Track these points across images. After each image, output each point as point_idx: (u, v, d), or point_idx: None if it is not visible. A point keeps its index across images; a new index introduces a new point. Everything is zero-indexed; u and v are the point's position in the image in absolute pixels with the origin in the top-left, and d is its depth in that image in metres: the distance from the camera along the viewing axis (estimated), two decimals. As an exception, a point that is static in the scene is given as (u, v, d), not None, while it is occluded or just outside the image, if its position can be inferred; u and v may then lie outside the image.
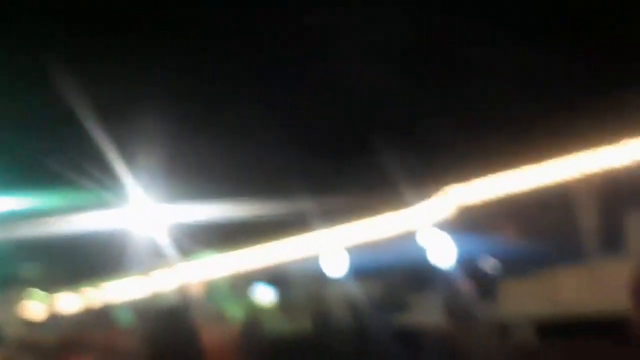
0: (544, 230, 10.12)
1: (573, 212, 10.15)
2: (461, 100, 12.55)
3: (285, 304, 15.55)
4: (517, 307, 9.67)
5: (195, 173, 12.92)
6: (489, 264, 9.19)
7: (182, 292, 8.30)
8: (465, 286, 8.71)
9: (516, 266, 10.29)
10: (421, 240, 11.88)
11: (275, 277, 15.63)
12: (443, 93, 12.82)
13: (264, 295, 16.23)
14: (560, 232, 10.02)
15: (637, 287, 7.96)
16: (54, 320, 19.64)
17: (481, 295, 8.70)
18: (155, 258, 13.67)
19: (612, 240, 9.74)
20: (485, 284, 8.72)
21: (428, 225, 11.86)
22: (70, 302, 20.09)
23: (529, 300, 9.99)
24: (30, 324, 18.91)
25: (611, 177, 9.56)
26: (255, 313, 14.44)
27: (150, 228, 12.84)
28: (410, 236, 12.20)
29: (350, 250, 13.60)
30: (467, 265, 9.62)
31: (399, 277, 12.94)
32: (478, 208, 11.20)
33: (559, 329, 9.08)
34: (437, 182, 11.76)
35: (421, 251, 11.81)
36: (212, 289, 16.06)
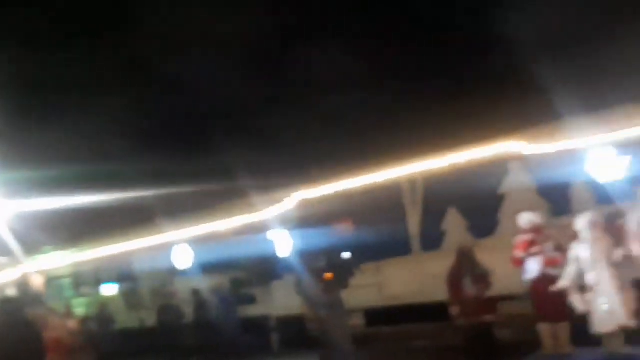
0: (377, 226, 11.03)
1: (401, 211, 11.25)
2: (303, 105, 13.31)
3: (131, 297, 15.34)
4: (349, 296, 10.48)
5: (37, 167, 12.46)
6: (343, 256, 9.64)
7: (24, 287, 7.98)
8: (322, 276, 9.05)
9: (352, 259, 11.12)
10: (268, 235, 12.38)
11: (121, 270, 15.37)
12: (283, 94, 13.49)
13: (109, 289, 15.90)
14: (390, 229, 10.99)
15: (452, 277, 8.90)
16: None
17: (336, 285, 9.07)
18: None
19: (433, 236, 10.97)
20: (340, 274, 9.14)
21: (274, 220, 12.39)
22: None
23: (360, 289, 10.88)
24: None
25: (434, 180, 10.73)
26: (100, 307, 14.13)
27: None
28: (258, 231, 12.65)
29: (198, 244, 13.77)
30: (322, 257, 10.02)
31: (246, 270, 13.36)
32: (319, 205, 11.95)
33: (387, 316, 9.90)
34: (282, 180, 12.38)
35: (269, 245, 12.30)
36: (56, 284, 15.47)
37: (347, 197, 11.48)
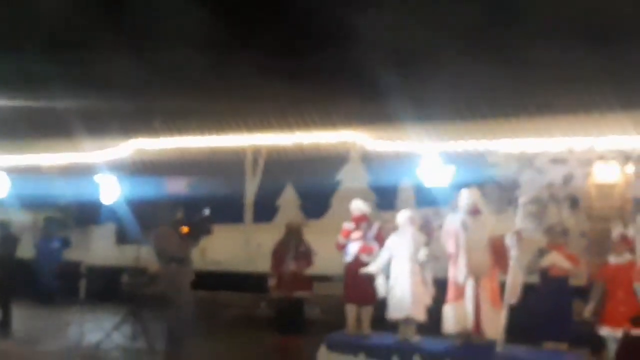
0: (213, 189, 10.96)
1: (240, 179, 11.36)
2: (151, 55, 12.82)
3: None
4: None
5: None
6: (204, 212, 9.19)
7: None
8: (178, 229, 8.63)
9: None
10: (95, 178, 11.75)
11: None
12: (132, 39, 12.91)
13: None
14: (225, 194, 10.99)
15: (277, 251, 9.14)
16: None
17: (190, 240, 8.51)
18: None
19: (267, 208, 11.21)
20: (197, 230, 8.77)
21: (104, 165, 11.84)
22: None
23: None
24: None
25: (277, 155, 10.99)
26: None
27: None
28: (84, 172, 11.99)
29: (16, 174, 12.73)
30: (180, 209, 9.55)
31: (64, 211, 12.63)
32: (157, 157, 11.66)
33: (206, 280, 9.79)
34: (118, 124, 11.88)
35: (93, 188, 11.69)
36: None
37: (187, 155, 11.32)
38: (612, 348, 7.30)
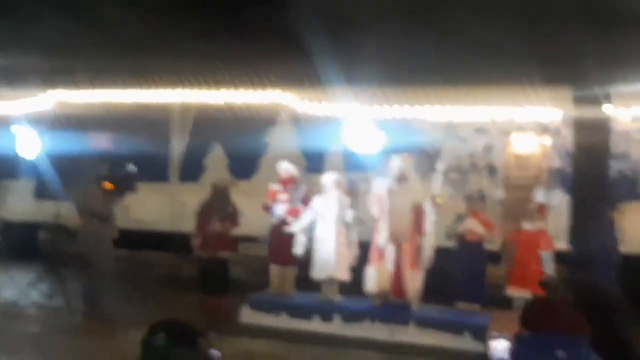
0: (137, 146, 10.67)
1: (166, 137, 11.13)
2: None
3: None
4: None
5: None
6: (128, 168, 8.87)
7: None
8: (101, 185, 8.29)
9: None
10: (13, 130, 11.24)
11: None
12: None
13: None
14: (150, 152, 10.74)
15: (202, 210, 9.03)
16: None
17: (114, 197, 8.32)
18: None
19: (194, 168, 11.04)
20: (121, 186, 8.46)
21: (23, 117, 11.32)
22: None
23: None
24: None
25: (205, 113, 10.81)
26: None
27: None
28: (4, 125, 11.43)
29: None
30: (104, 165, 9.21)
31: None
32: (79, 110, 11.23)
33: (129, 239, 9.62)
34: (38, 75, 11.32)
35: (13, 142, 11.19)
36: None
37: (112, 109, 10.94)
38: (518, 308, 7.75)
